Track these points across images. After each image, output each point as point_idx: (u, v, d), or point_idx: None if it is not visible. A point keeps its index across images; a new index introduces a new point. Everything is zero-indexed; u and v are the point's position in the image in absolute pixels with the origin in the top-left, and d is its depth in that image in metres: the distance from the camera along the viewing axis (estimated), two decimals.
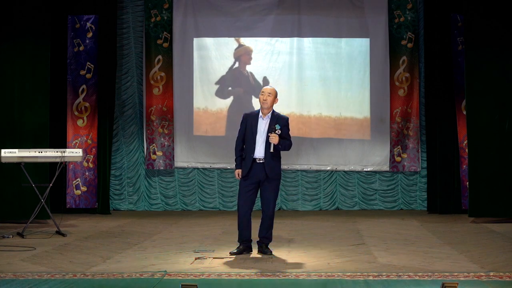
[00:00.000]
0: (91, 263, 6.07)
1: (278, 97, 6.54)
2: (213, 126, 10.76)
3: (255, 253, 6.50)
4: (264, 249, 6.48)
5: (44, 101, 9.10)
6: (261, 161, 6.37)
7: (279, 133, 6.32)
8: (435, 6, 10.13)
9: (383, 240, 7.35)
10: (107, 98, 10.28)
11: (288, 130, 6.52)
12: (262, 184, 6.43)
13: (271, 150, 6.33)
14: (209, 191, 10.85)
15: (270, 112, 6.47)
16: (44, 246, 7.05)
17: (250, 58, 10.78)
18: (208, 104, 10.75)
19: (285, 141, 6.44)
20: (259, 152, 6.39)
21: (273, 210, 6.49)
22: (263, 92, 6.47)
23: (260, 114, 6.48)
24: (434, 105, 10.18)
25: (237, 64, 10.79)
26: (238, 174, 6.47)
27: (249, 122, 6.47)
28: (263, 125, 6.43)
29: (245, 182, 6.43)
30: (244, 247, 6.48)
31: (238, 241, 6.53)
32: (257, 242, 6.55)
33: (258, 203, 6.73)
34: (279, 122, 6.40)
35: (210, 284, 5.19)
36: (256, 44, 10.80)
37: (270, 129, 6.33)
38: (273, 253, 6.49)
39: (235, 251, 6.46)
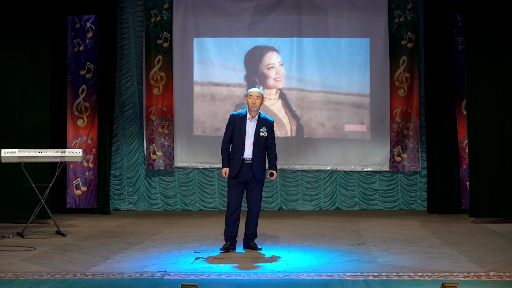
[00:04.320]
0: (91, 263, 6.07)
1: (264, 99, 6.76)
2: (213, 126, 10.76)
3: (239, 251, 6.64)
4: (251, 245, 6.71)
5: (44, 101, 9.09)
6: (249, 162, 6.59)
7: (265, 136, 6.62)
8: (435, 6, 10.13)
9: (383, 240, 7.35)
10: (107, 98, 10.28)
11: (273, 132, 6.76)
12: (249, 184, 6.66)
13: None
14: (209, 191, 10.85)
15: (258, 115, 6.66)
16: (44, 246, 7.05)
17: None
18: (208, 104, 10.74)
19: (274, 160, 6.74)
20: (248, 153, 6.61)
21: (259, 209, 6.77)
22: (251, 95, 6.64)
23: (248, 116, 6.67)
24: (434, 105, 10.17)
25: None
26: (225, 173, 6.67)
27: (237, 124, 6.67)
28: (251, 127, 6.64)
29: (234, 180, 6.64)
30: (230, 243, 6.65)
31: (226, 237, 6.68)
32: (244, 238, 6.76)
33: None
34: (266, 125, 6.67)
35: (210, 284, 5.19)
36: (256, 44, 10.80)
37: (258, 132, 6.60)
38: (272, 252, 6.55)
39: (223, 250, 6.60)
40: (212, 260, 6.22)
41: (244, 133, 6.61)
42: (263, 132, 6.61)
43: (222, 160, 6.74)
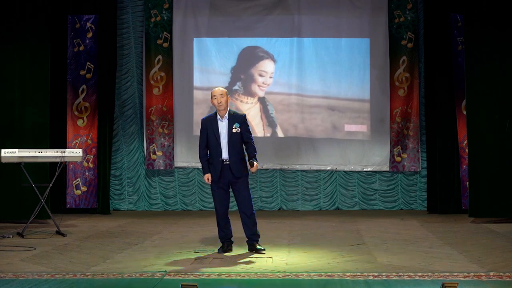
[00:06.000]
0: (91, 263, 6.07)
1: (229, 95, 6.70)
2: None
3: (239, 251, 6.61)
4: (255, 247, 6.60)
5: (44, 101, 9.10)
6: (227, 163, 6.51)
7: (238, 132, 6.51)
8: (435, 6, 10.13)
9: (383, 240, 7.35)
10: (107, 98, 10.29)
11: (247, 126, 6.65)
12: (232, 184, 6.58)
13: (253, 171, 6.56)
14: (209, 191, 10.71)
15: (227, 112, 6.58)
16: (44, 246, 7.06)
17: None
18: (208, 104, 10.74)
19: (254, 153, 6.55)
20: (225, 154, 6.53)
21: (251, 207, 6.61)
22: (215, 96, 6.54)
23: (218, 116, 6.58)
24: (434, 105, 10.17)
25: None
26: (208, 179, 6.56)
27: (209, 127, 6.58)
28: (224, 127, 6.56)
29: (216, 184, 6.56)
30: (228, 245, 6.64)
31: (221, 240, 6.68)
32: (247, 241, 6.66)
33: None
34: (237, 120, 6.57)
35: (210, 284, 5.19)
36: (256, 44, 10.81)
37: (230, 130, 6.49)
38: (273, 252, 6.53)
39: (220, 251, 6.60)
40: (212, 260, 6.22)
41: (218, 135, 6.52)
42: (235, 129, 6.50)
43: (203, 167, 6.64)
